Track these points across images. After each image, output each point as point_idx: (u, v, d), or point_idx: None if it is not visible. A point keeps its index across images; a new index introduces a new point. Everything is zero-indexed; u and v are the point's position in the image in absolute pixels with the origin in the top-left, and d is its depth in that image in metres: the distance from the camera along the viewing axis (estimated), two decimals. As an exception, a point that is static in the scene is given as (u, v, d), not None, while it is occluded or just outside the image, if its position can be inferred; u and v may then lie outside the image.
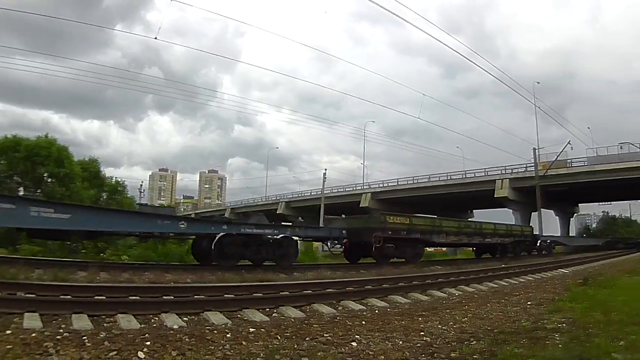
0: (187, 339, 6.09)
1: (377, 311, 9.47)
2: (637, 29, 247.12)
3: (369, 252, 23.99)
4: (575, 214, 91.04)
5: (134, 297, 8.80)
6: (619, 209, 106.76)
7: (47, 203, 15.48)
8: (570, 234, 71.33)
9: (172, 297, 9.00)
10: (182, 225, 17.55)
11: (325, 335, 6.85)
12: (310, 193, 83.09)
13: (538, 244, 41.97)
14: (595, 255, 36.66)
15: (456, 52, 33.35)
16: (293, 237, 20.76)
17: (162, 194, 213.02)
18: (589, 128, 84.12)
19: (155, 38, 53.55)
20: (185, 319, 7.57)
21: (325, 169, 68.97)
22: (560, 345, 6.46)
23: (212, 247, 17.62)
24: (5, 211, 13.00)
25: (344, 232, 23.44)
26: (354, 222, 25.44)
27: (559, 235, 64.12)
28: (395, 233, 24.80)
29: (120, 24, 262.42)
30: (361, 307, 9.89)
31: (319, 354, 5.78)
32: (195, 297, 9.28)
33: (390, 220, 25.43)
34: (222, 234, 17.91)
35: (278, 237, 19.85)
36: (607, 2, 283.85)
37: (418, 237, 26.52)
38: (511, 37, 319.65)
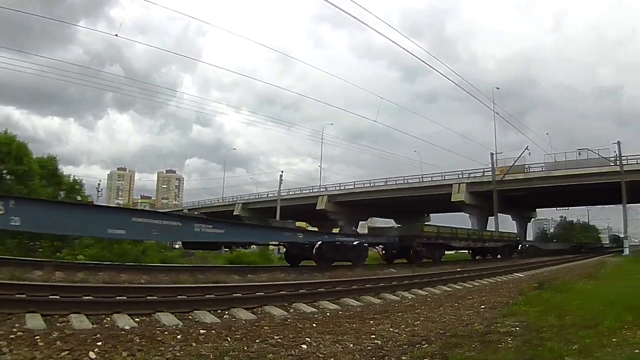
0: (137, 340, 6.10)
1: (328, 314, 9.43)
2: (599, 38, 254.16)
3: (406, 254, 29.56)
4: (533, 219, 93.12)
5: (87, 297, 8.84)
6: (577, 214, 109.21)
7: (207, 220, 18.80)
8: (527, 239, 72.77)
9: (125, 298, 9.06)
10: (300, 236, 22.62)
11: (275, 337, 6.82)
12: (267, 195, 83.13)
13: (519, 248, 48.38)
14: (553, 260, 38.00)
15: (416, 56, 33.57)
16: (364, 243, 26.20)
17: (119, 193, 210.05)
18: (547, 134, 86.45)
19: (116, 35, 52.58)
20: (137, 319, 7.59)
21: (282, 171, 69.47)
22: (512, 349, 6.48)
23: (313, 252, 22.53)
24: (175, 228, 16.82)
25: (396, 238, 29.28)
26: (402, 231, 31.09)
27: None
28: (428, 239, 30.55)
29: (84, 20, 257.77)
30: (313, 309, 9.87)
31: (268, 356, 5.82)
32: (148, 297, 9.31)
33: (425, 230, 31.89)
34: (320, 241, 22.95)
35: (355, 243, 25.02)
36: (571, 11, 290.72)
37: (442, 242, 32.80)
38: (472, 43, 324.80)
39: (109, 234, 15.95)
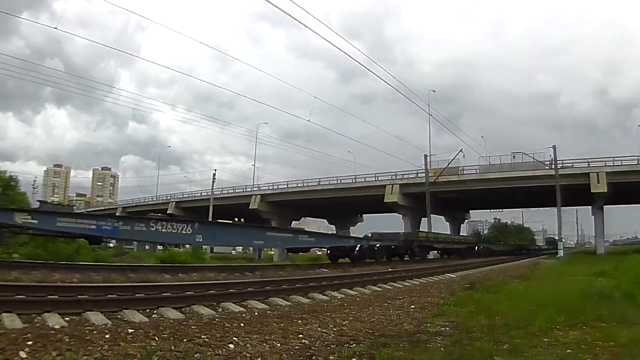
0: (67, 339, 6.08)
1: (256, 313, 9.38)
2: (537, 45, 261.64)
3: (402, 254, 37.98)
4: (467, 220, 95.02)
5: (19, 296, 8.84)
6: (511, 216, 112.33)
7: (307, 233, 31.05)
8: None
9: (57, 297, 9.06)
10: (351, 242, 31.98)
11: (202, 337, 6.80)
12: (201, 194, 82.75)
13: (476, 249, 56.79)
14: (486, 260, 39.75)
15: (353, 59, 33.63)
16: (384, 245, 34.43)
17: (55, 190, 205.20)
18: (483, 137, 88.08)
19: (56, 28, 51.10)
20: (67, 319, 7.55)
21: (215, 170, 68.63)
22: (441, 349, 6.58)
23: (355, 253, 31.03)
24: (289, 238, 27.53)
25: (402, 241, 37.76)
26: (406, 236, 41.10)
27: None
28: (421, 242, 40.55)
29: (27, 12, 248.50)
30: (241, 309, 9.83)
31: (195, 355, 5.84)
32: (79, 297, 9.31)
33: (420, 236, 42.88)
34: (359, 245, 31.55)
35: (377, 245, 33.31)
36: (510, 18, 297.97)
37: (429, 244, 43.13)
38: (410, 46, 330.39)
39: (254, 244, 33.40)
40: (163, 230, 19.94)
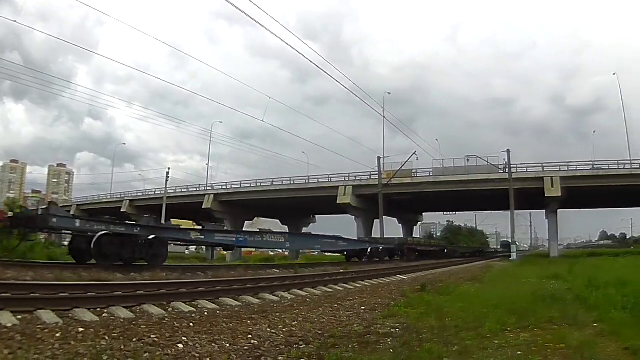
0: (19, 338, 6.18)
1: (206, 313, 9.45)
2: (494, 50, 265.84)
3: (396, 254, 46.32)
4: (420, 222, 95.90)
5: None
6: (464, 218, 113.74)
7: (343, 239, 36.81)
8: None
9: (10, 295, 9.07)
10: (366, 245, 41.23)
11: (152, 336, 6.88)
12: (155, 192, 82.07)
13: (445, 250, 66.73)
14: (439, 263, 40.72)
15: (309, 60, 33.54)
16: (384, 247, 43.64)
17: (11, 186, 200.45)
18: (437, 140, 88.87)
19: (15, 21, 49.56)
20: (19, 317, 7.58)
21: (169, 168, 68.19)
22: (390, 350, 6.65)
23: (367, 253, 39.46)
24: (331, 243, 35.54)
25: (396, 244, 47.48)
26: (400, 240, 52.13)
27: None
28: (409, 246, 50.98)
29: None
30: (191, 308, 9.90)
31: (144, 355, 5.90)
32: (32, 295, 9.41)
33: (409, 241, 55.21)
34: (370, 247, 40.28)
35: (381, 247, 42.28)
36: (467, 22, 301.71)
37: (416, 247, 52.81)
38: (367, 49, 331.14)
39: (318, 249, 45.92)
40: (270, 240, 31.00)
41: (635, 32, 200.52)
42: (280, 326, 8.39)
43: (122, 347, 6.08)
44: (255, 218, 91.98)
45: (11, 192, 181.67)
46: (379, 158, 59.21)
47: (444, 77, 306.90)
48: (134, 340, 6.54)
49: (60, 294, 9.65)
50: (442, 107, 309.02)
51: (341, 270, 22.91)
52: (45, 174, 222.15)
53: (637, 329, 7.32)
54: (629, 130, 65.79)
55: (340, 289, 15.88)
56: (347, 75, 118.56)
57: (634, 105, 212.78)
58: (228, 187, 74.35)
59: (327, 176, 66.40)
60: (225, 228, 46.84)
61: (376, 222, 61.49)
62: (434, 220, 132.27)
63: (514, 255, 54.10)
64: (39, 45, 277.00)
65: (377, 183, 58.08)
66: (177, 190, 78.34)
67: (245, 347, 6.72)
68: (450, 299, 12.44)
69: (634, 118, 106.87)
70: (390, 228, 67.77)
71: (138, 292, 11.02)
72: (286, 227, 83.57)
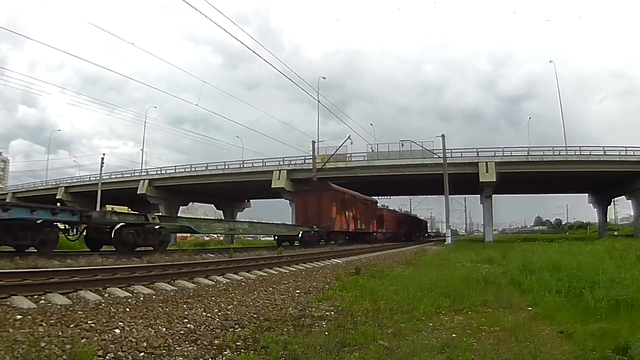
0: None
1: (142, 298, 9.39)
2: (425, 37, 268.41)
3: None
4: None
5: None
6: (399, 203, 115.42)
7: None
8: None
9: None
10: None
11: (89, 322, 6.80)
12: (90, 178, 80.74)
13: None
14: (373, 247, 40.88)
15: (240, 41, 33.37)
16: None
17: None
18: (372, 125, 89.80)
19: None
20: None
21: (104, 154, 66.81)
22: (325, 333, 6.78)
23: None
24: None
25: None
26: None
27: None
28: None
29: None
30: (127, 294, 9.89)
31: (82, 341, 5.82)
32: None
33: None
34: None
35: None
36: (399, 8, 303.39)
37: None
38: (297, 33, 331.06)
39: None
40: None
41: (569, 21, 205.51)
42: (216, 310, 8.43)
43: (60, 333, 6.05)
44: (190, 203, 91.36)
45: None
46: (313, 142, 59.40)
47: (376, 62, 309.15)
48: (71, 326, 6.49)
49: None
50: (374, 92, 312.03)
51: (276, 254, 22.98)
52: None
53: (571, 312, 7.66)
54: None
55: (275, 272, 15.95)
56: (279, 59, 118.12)
57: (564, 93, 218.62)
58: (162, 172, 73.79)
59: (261, 160, 66.43)
60: (160, 214, 45.54)
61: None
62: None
63: (448, 240, 54.77)
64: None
65: (311, 167, 58.26)
66: (112, 176, 77.70)
67: (181, 332, 6.77)
68: (385, 282, 12.64)
69: (564, 106, 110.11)
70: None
71: (74, 278, 10.90)
72: (221, 212, 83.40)
